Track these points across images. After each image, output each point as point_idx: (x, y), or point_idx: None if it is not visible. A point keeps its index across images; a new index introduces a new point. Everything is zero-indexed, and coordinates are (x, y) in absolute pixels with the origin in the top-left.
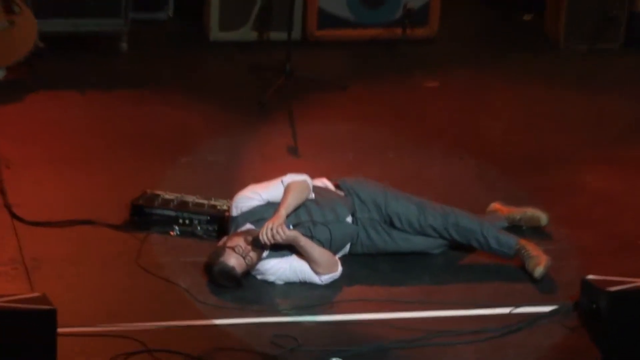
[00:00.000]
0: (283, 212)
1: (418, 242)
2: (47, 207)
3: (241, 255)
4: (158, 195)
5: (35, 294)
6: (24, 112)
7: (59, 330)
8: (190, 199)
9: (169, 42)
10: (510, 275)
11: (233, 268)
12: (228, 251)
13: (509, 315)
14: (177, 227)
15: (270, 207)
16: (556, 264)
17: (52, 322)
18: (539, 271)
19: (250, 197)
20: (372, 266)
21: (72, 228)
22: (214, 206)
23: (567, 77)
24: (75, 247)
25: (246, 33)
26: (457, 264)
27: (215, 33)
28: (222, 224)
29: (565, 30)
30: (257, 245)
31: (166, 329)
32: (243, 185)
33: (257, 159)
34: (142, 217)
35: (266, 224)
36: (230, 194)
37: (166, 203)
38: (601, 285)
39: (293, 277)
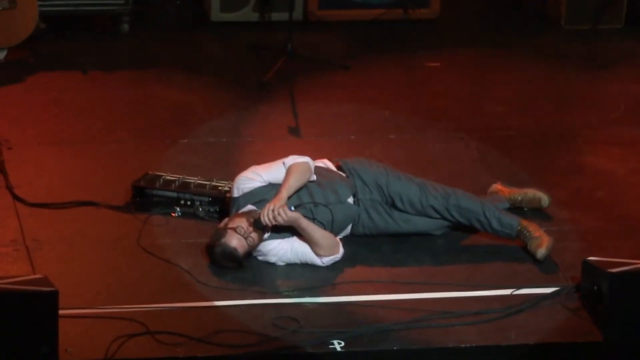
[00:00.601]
0: (284, 193)
1: (419, 223)
2: (49, 188)
3: (243, 236)
4: (159, 177)
5: (37, 276)
6: (26, 93)
7: (61, 312)
8: (191, 180)
9: (170, 23)
10: (511, 256)
11: (235, 249)
12: (230, 232)
13: (511, 296)
14: (178, 209)
15: (272, 189)
16: (558, 245)
17: (53, 303)
18: (541, 252)
19: (252, 178)
20: (374, 247)
21: (74, 209)
22: (216, 187)
23: (569, 58)
24: (76, 229)
25: (247, 13)
26: (459, 245)
27: (217, 13)
28: (224, 205)
29: (566, 10)
30: (259, 226)
31: (168, 310)
32: (244, 166)
33: (259, 139)
34: (143, 198)
35: (267, 205)
36: (231, 175)
37: (167, 184)
38: (603, 266)
39: (294, 259)
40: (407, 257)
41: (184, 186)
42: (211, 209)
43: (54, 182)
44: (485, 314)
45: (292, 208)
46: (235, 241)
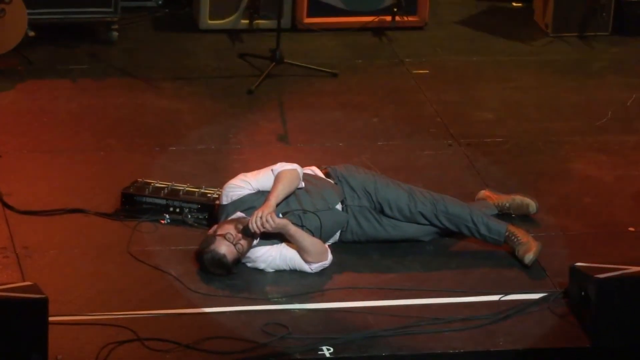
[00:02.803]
0: (273, 200)
1: (408, 230)
2: (38, 196)
3: (232, 243)
4: (149, 184)
5: (27, 283)
6: (15, 101)
7: (50, 319)
8: (180, 187)
9: (159, 31)
10: (499, 262)
11: (224, 256)
12: (219, 239)
13: (499, 302)
14: (167, 216)
15: (261, 196)
16: (545, 251)
17: (43, 311)
18: (529, 258)
19: (241, 185)
20: (362, 254)
21: (63, 217)
22: (205, 194)
23: (557, 65)
24: (66, 236)
25: (236, 21)
26: (447, 252)
27: (205, 21)
28: (213, 212)
29: (554, 18)
30: (248, 233)
31: (157, 317)
32: (233, 173)
33: (247, 147)
34: (132, 205)
35: (255, 212)
36: (220, 182)
37: (157, 191)
38: (590, 272)
39: (283, 265)
40: (396, 263)
41: (173, 193)
42: (200, 216)
43: (44, 189)
44: (473, 320)
45: (281, 215)
46: (224, 248)
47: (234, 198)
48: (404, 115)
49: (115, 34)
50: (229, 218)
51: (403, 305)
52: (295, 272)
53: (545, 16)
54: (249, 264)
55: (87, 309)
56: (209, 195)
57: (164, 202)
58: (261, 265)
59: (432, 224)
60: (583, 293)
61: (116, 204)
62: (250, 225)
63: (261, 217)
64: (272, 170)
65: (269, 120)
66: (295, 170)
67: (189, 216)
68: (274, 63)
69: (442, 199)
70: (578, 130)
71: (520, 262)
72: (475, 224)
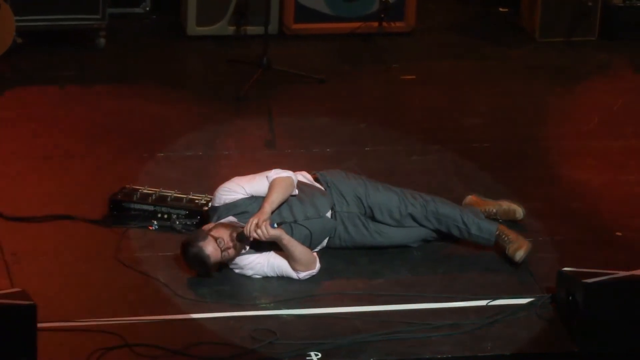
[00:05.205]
0: (268, 208)
1: (396, 236)
2: (26, 202)
3: (220, 249)
4: (137, 190)
5: (15, 289)
6: (3, 107)
7: (39, 325)
8: (168, 193)
9: (147, 37)
10: (487, 267)
11: (208, 257)
12: (210, 239)
13: (487, 307)
14: (155, 222)
15: (254, 201)
16: (533, 256)
17: (32, 317)
18: (519, 254)
19: (234, 190)
20: (350, 259)
21: (52, 223)
22: (192, 200)
23: (544, 70)
24: (54, 242)
25: (223, 27)
26: (435, 257)
27: (193, 27)
28: (201, 218)
29: (540, 23)
30: (241, 240)
31: (145, 323)
32: (221, 179)
33: (235, 153)
34: (120, 212)
35: (251, 219)
36: (208, 189)
37: (145, 198)
38: (577, 277)
39: (270, 272)
40: (384, 268)
41: (161, 200)
42: (188, 222)
43: (32, 196)
44: (461, 325)
45: (275, 225)
46: (211, 249)
47: (227, 201)
48: (392, 120)
49: (103, 40)
50: (223, 220)
51: (391, 310)
52: (283, 278)
53: (533, 21)
54: (236, 271)
55: (75, 315)
56: (196, 201)
57: (152, 208)
58: (249, 272)
59: (422, 225)
60: (571, 298)
61: (104, 210)
62: (245, 231)
63: (257, 224)
64: (267, 177)
65: (256, 126)
66: (290, 177)
67: (177, 222)
68: (261, 69)
69: (433, 200)
70: (565, 135)
71: (510, 260)
72: (465, 225)
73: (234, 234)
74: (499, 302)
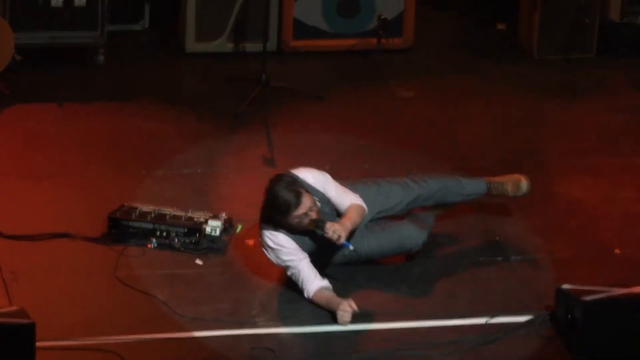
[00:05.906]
0: (349, 225)
1: (390, 238)
2: (25, 220)
3: (309, 210)
4: (135, 208)
5: (14, 308)
6: (1, 125)
7: (38, 344)
8: (167, 211)
9: (145, 54)
10: (486, 285)
11: (299, 204)
12: (311, 197)
13: (486, 325)
14: (154, 240)
15: (327, 203)
16: (532, 273)
17: (30, 335)
18: (523, 185)
19: (322, 180)
20: (349, 277)
21: (50, 241)
22: (191, 218)
23: (542, 86)
24: (53, 261)
25: (222, 44)
26: (434, 274)
27: (191, 44)
28: (199, 236)
29: (538, 40)
30: (317, 225)
31: (144, 341)
32: (219, 197)
33: (234, 170)
34: (119, 229)
35: (334, 223)
36: (206, 206)
37: (143, 216)
38: (576, 294)
39: (288, 271)
40: (383, 286)
41: (160, 217)
42: (187, 240)
43: (31, 214)
44: (460, 344)
45: (350, 245)
46: (307, 202)
47: (313, 185)
48: (390, 138)
49: (102, 57)
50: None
51: (390, 328)
52: (283, 295)
53: (530, 38)
54: (263, 248)
55: (74, 334)
56: (195, 219)
57: (150, 226)
58: (271, 255)
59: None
60: (569, 315)
61: (103, 228)
62: (327, 226)
63: (335, 232)
64: (354, 199)
65: (254, 143)
66: (365, 210)
67: (176, 240)
68: (260, 86)
69: (427, 184)
70: (563, 152)
71: (515, 198)
72: (460, 183)
73: (319, 215)
74: (498, 320)
